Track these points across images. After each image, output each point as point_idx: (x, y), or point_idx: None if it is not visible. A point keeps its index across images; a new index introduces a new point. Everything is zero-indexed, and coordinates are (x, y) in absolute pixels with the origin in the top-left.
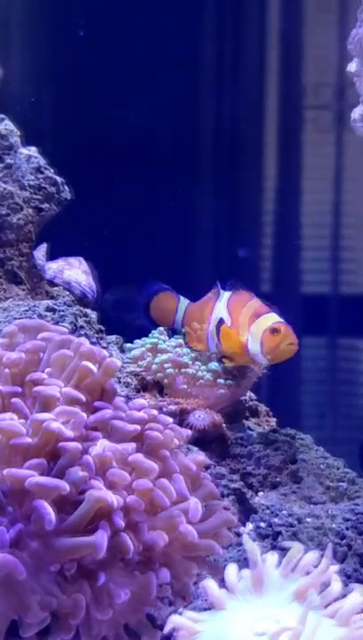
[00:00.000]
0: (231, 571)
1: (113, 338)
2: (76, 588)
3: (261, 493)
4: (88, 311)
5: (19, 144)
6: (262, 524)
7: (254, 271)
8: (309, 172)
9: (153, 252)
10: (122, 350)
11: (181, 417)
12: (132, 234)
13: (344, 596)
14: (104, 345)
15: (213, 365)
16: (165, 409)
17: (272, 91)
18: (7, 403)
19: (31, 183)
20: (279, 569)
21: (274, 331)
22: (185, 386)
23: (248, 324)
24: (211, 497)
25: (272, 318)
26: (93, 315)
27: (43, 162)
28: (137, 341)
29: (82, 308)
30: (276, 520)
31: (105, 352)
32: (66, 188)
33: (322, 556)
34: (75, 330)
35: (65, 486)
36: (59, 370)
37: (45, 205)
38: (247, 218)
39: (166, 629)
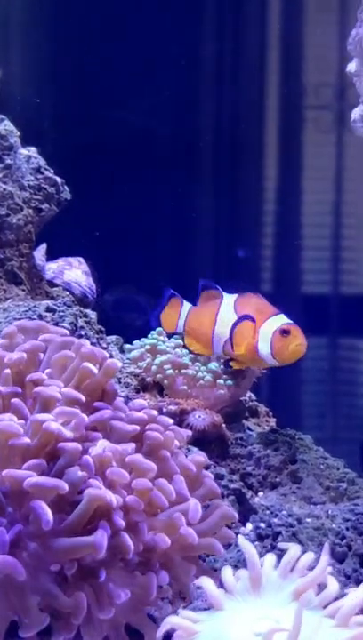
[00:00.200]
0: (228, 571)
1: (113, 338)
2: (76, 588)
3: (260, 494)
4: (88, 311)
5: (18, 144)
6: (262, 525)
7: (254, 271)
8: (309, 173)
9: (153, 252)
10: (122, 351)
11: (180, 417)
12: (132, 234)
13: (342, 596)
14: (104, 345)
15: (213, 366)
16: (164, 409)
17: (272, 91)
18: (7, 403)
19: (31, 184)
20: (278, 569)
21: (284, 332)
22: (185, 386)
23: (257, 326)
24: (211, 495)
25: (282, 319)
26: (93, 315)
27: (42, 162)
28: (136, 342)
29: (82, 309)
30: (275, 520)
31: (106, 353)
32: (66, 188)
33: (321, 555)
34: (74, 330)
35: (63, 486)
36: (59, 370)
37: (45, 206)
38: (247, 218)
39: (163, 630)
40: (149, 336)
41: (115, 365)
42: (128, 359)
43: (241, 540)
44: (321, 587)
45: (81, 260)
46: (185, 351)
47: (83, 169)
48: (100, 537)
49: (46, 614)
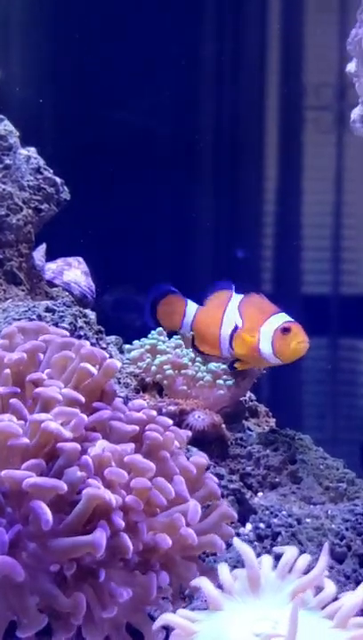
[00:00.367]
0: (225, 569)
1: (112, 338)
2: (76, 588)
3: (260, 494)
4: (87, 312)
5: (18, 145)
6: (262, 525)
7: (254, 271)
8: (309, 173)
9: (153, 252)
10: (121, 351)
11: (180, 418)
12: (132, 234)
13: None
14: (103, 346)
15: (213, 366)
16: (164, 410)
17: (273, 91)
18: (6, 403)
19: (30, 184)
20: (276, 570)
21: (285, 330)
22: (184, 387)
23: (259, 325)
24: (211, 496)
25: (283, 318)
26: (93, 315)
27: (42, 162)
28: (136, 342)
29: (81, 309)
30: (275, 521)
31: (105, 353)
32: (65, 188)
33: (320, 556)
34: (74, 330)
35: (62, 486)
36: (59, 371)
37: (45, 206)
38: (247, 218)
39: (158, 624)
40: (150, 336)
41: (114, 366)
42: (128, 359)
43: (236, 541)
44: (319, 589)
45: (80, 260)
46: (185, 351)
47: (82, 169)
48: (99, 536)
49: (45, 615)
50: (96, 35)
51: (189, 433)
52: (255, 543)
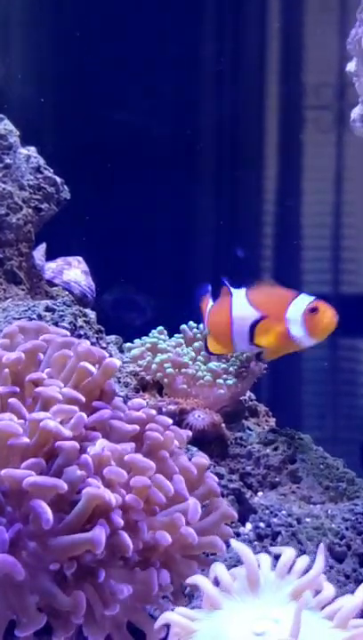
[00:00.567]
0: (222, 568)
1: (112, 338)
2: (76, 587)
3: (260, 493)
4: (87, 311)
5: (18, 144)
6: (262, 524)
7: (254, 271)
8: (309, 173)
9: (153, 252)
10: (121, 350)
11: (180, 417)
12: (132, 233)
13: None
14: (103, 345)
15: (213, 365)
16: (164, 409)
17: (273, 91)
18: (5, 403)
19: (30, 183)
20: (275, 570)
21: (313, 310)
22: (185, 386)
23: (283, 312)
24: (211, 495)
25: (304, 299)
26: (93, 315)
27: (42, 162)
28: (137, 341)
29: (81, 308)
30: (275, 520)
31: (105, 352)
32: (65, 187)
33: (317, 556)
34: (74, 330)
35: (62, 485)
36: (59, 370)
37: (45, 205)
38: (247, 218)
39: (159, 623)
40: (150, 334)
41: (113, 365)
42: (128, 358)
43: (233, 542)
44: (317, 590)
45: (80, 259)
46: (185, 350)
47: (83, 168)
48: (99, 533)
49: (44, 614)
50: (96, 34)
51: (190, 433)
52: (255, 543)
